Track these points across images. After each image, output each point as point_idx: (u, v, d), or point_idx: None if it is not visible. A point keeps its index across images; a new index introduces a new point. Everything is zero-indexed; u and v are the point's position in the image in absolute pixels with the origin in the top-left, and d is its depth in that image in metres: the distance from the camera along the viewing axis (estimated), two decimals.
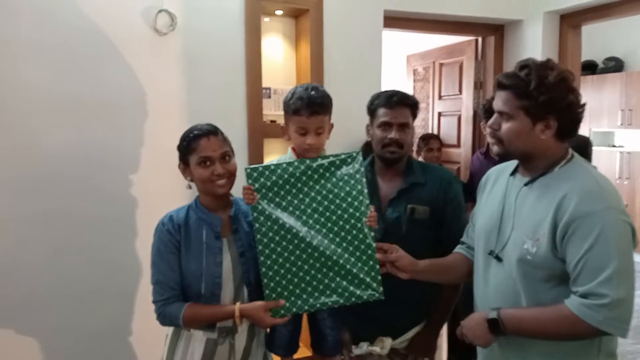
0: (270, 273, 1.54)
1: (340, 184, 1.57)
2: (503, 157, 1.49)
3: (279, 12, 2.77)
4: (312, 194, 1.56)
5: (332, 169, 1.57)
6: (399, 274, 1.57)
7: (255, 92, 2.61)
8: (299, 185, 1.55)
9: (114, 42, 2.36)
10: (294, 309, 1.56)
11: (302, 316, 1.74)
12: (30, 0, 2.21)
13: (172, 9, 2.42)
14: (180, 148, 1.61)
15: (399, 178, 1.85)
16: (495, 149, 1.48)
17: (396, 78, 4.99)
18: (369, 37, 2.93)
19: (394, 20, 3.17)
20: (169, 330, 1.65)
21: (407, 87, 4.63)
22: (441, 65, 4.11)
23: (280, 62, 2.85)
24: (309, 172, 1.56)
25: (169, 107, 2.49)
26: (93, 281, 2.40)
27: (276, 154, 2.81)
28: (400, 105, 1.81)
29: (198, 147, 1.57)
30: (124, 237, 2.44)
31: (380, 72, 2.99)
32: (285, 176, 1.54)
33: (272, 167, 1.54)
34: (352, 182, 1.57)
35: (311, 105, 1.58)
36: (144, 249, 2.42)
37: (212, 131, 1.61)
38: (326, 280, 1.56)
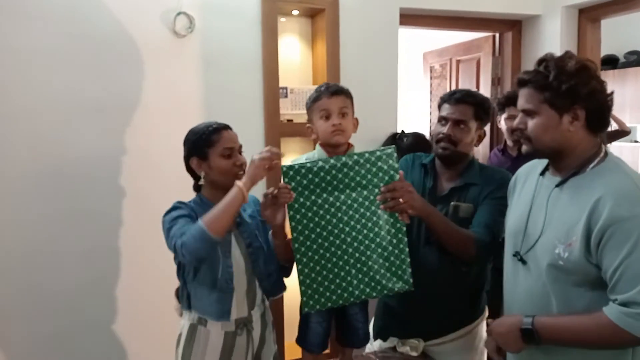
0: (306, 270, 1.58)
1: (375, 180, 1.58)
2: (533, 156, 1.45)
3: (295, 12, 2.79)
4: (347, 190, 1.58)
5: (368, 165, 1.58)
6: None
7: (272, 91, 2.64)
8: (335, 182, 1.57)
9: (135, 46, 2.40)
10: (329, 304, 1.60)
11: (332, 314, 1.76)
12: (52, 10, 2.27)
13: (190, 12, 2.46)
14: (197, 142, 1.63)
15: (458, 178, 1.81)
16: (524, 148, 1.43)
17: (413, 75, 4.98)
18: (385, 35, 2.93)
19: (410, 18, 3.17)
20: (183, 329, 1.67)
21: (424, 84, 4.61)
22: (458, 62, 4.09)
23: (297, 61, 2.87)
24: (345, 170, 1.57)
25: (188, 108, 2.53)
26: (122, 281, 2.45)
27: (293, 153, 2.83)
28: (460, 102, 1.77)
29: (221, 139, 1.62)
30: (151, 237, 2.47)
31: (397, 69, 2.99)
32: (322, 174, 1.56)
33: (309, 165, 1.55)
34: (387, 178, 1.59)
35: (330, 87, 1.67)
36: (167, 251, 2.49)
37: (228, 125, 1.68)
38: (360, 275, 1.59)
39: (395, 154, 1.59)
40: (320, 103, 1.65)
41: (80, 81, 2.34)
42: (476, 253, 1.66)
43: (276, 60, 2.63)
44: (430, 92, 4.53)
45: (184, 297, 1.67)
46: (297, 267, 1.58)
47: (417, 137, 2.83)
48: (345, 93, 1.68)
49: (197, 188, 1.71)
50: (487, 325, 1.48)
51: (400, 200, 1.57)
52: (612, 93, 1.34)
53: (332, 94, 1.64)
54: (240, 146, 1.66)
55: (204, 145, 1.61)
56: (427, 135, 4.52)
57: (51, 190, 2.32)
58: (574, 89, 1.29)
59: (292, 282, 1.74)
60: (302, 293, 1.59)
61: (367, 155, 1.58)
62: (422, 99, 4.67)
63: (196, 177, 1.69)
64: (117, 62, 2.39)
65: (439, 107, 1.85)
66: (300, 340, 1.77)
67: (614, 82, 5.99)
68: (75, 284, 2.38)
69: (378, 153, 1.58)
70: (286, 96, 2.69)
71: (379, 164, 1.58)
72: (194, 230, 1.45)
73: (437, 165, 1.87)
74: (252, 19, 2.60)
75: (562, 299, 1.32)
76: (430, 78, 4.49)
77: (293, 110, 2.71)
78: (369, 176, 1.58)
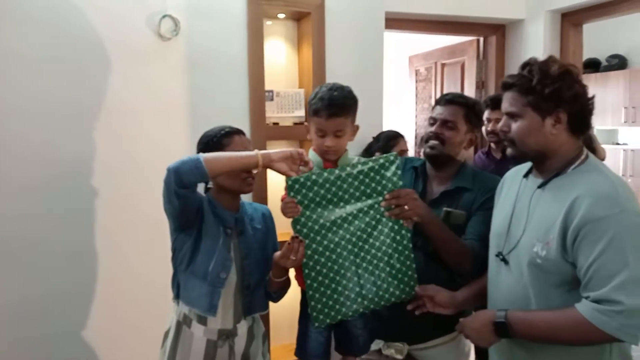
0: (315, 284, 1.55)
1: (379, 188, 1.57)
2: (516, 159, 1.46)
3: (281, 16, 2.80)
4: (353, 200, 1.55)
5: (372, 174, 1.56)
6: (438, 309, 1.53)
7: (258, 95, 2.63)
8: (340, 193, 1.54)
9: (120, 49, 2.38)
10: (339, 317, 1.58)
11: None
12: (35, 12, 2.24)
13: (175, 14, 2.45)
14: (208, 144, 1.62)
15: (448, 182, 1.80)
16: (508, 151, 1.45)
17: (399, 79, 5.01)
18: (370, 39, 2.94)
19: (395, 22, 3.19)
20: (171, 323, 1.66)
21: (409, 87, 4.65)
22: (443, 65, 4.13)
23: (283, 65, 2.87)
24: (350, 180, 1.54)
25: (173, 111, 2.51)
26: (105, 284, 2.42)
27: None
28: (451, 103, 1.78)
29: (232, 142, 1.61)
30: (136, 240, 2.47)
31: (382, 73, 3.00)
32: (327, 185, 1.52)
33: (314, 177, 1.51)
34: (390, 185, 1.58)
35: (330, 107, 1.56)
36: (155, 253, 2.46)
37: (241, 130, 1.67)
38: (368, 285, 1.59)
39: (397, 161, 1.59)
40: (318, 120, 1.59)
41: (64, 84, 2.31)
42: (471, 267, 1.66)
43: (262, 64, 2.63)
44: (416, 95, 4.57)
45: (174, 286, 1.66)
46: (306, 282, 1.55)
47: (387, 136, 2.77)
48: (345, 112, 1.59)
49: (206, 190, 1.70)
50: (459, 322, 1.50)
51: (405, 207, 1.57)
52: (593, 97, 1.37)
53: (329, 115, 1.56)
54: None
55: (215, 147, 1.60)
56: (413, 138, 4.58)
57: (35, 193, 2.28)
58: (557, 93, 1.31)
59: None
60: (312, 308, 1.56)
61: (370, 164, 1.56)
62: (408, 102, 4.70)
63: (206, 182, 1.68)
64: (101, 65, 2.37)
65: (432, 110, 1.86)
66: (299, 352, 1.71)
67: (596, 85, 6.09)
68: (59, 288, 2.35)
69: (381, 161, 1.57)
70: (272, 99, 2.69)
71: (382, 171, 1.56)
72: (191, 158, 1.43)
73: (427, 169, 1.86)
74: (237, 22, 2.59)
75: (541, 299, 1.34)
76: (416, 81, 4.53)
77: (279, 113, 2.72)
78: (373, 184, 1.56)
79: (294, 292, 1.76)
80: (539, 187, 1.40)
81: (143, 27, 2.42)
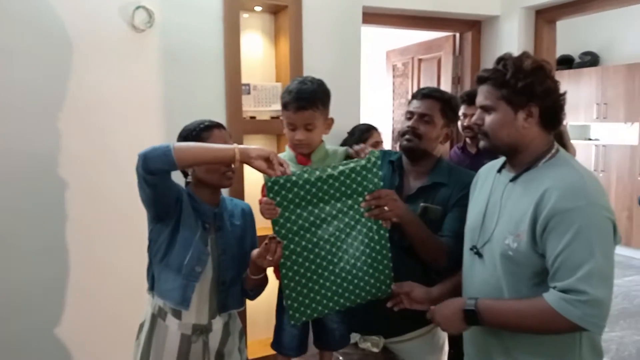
0: (292, 284, 1.55)
1: (360, 189, 1.56)
2: (489, 152, 1.49)
3: (258, 9, 2.77)
4: (332, 201, 1.54)
5: (353, 175, 1.54)
6: (414, 306, 1.54)
7: (235, 88, 2.61)
8: (320, 194, 1.52)
9: (92, 41, 2.33)
10: (315, 314, 1.59)
11: None
12: (4, 4, 2.17)
13: (150, 5, 2.41)
14: (186, 138, 1.60)
15: (425, 177, 1.81)
16: (481, 143, 1.48)
17: (376, 73, 5.03)
18: (348, 33, 2.94)
19: (372, 16, 3.20)
20: (146, 316, 1.64)
21: (386, 82, 4.67)
22: (420, 60, 4.15)
23: (260, 58, 2.85)
24: (330, 181, 1.52)
25: (148, 104, 2.48)
26: (78, 279, 2.38)
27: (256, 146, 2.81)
28: (427, 97, 1.79)
29: (212, 136, 1.59)
30: (109, 236, 2.43)
31: (360, 67, 3.01)
32: (307, 186, 1.50)
33: (294, 178, 1.48)
34: (371, 186, 1.57)
35: (298, 100, 1.56)
36: (130, 247, 2.43)
37: (221, 124, 1.65)
38: (345, 284, 1.59)
39: (379, 162, 1.58)
40: (287, 114, 1.59)
41: (34, 77, 2.25)
42: (446, 264, 1.68)
43: (238, 57, 2.61)
44: (393, 90, 4.59)
45: (149, 277, 1.64)
46: (283, 281, 1.55)
47: (361, 129, 2.77)
48: (314, 105, 1.58)
49: (186, 184, 1.69)
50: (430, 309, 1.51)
51: (385, 208, 1.57)
52: (564, 93, 1.40)
53: (297, 108, 1.55)
54: None
55: (194, 141, 1.57)
56: (390, 133, 4.60)
57: (3, 189, 2.23)
58: (529, 87, 1.34)
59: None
60: (289, 306, 1.56)
61: (352, 165, 1.54)
62: (385, 96, 4.72)
63: (185, 173, 1.66)
64: (73, 57, 2.31)
65: (408, 104, 1.87)
66: (275, 344, 1.71)
67: (569, 81, 6.20)
68: (28, 285, 2.30)
69: (363, 162, 1.56)
70: (249, 93, 2.67)
71: (364, 172, 1.55)
72: (162, 144, 1.41)
73: (404, 163, 1.87)
74: (214, 14, 2.56)
75: (513, 291, 1.37)
76: (393, 76, 4.55)
77: (256, 107, 2.70)
78: (354, 185, 1.55)
79: (271, 286, 1.75)
80: (511, 180, 1.43)
81: (116, 19, 2.37)
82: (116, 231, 2.44)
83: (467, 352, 1.60)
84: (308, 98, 1.57)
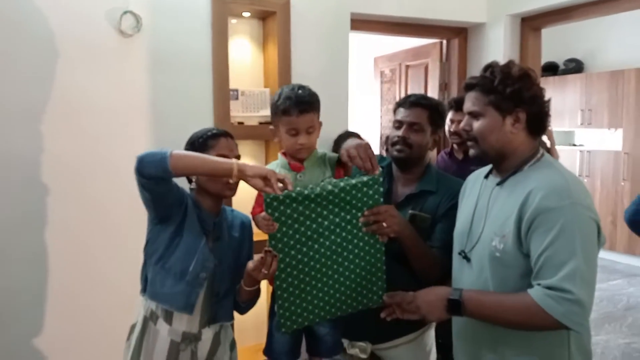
0: (285, 295, 1.55)
1: (359, 204, 1.55)
2: (478, 158, 1.51)
3: (246, 14, 2.77)
4: (331, 216, 1.53)
5: (354, 192, 1.54)
6: (406, 315, 1.53)
7: (223, 94, 2.61)
8: (319, 209, 1.51)
9: (78, 45, 2.31)
10: (306, 323, 1.59)
11: None
12: None
13: (137, 10, 2.39)
14: (193, 145, 1.60)
15: (414, 184, 1.81)
16: (471, 151, 1.50)
17: (364, 80, 5.05)
18: (336, 39, 2.95)
19: (360, 23, 3.21)
20: (138, 318, 1.62)
21: (374, 88, 4.69)
22: (407, 67, 4.18)
23: (248, 63, 2.85)
24: (330, 197, 1.51)
25: (135, 109, 2.46)
26: (63, 288, 2.35)
27: (245, 156, 2.80)
28: (415, 105, 1.79)
29: (218, 145, 1.59)
30: (98, 242, 2.40)
31: (347, 73, 3.01)
32: (306, 202, 1.49)
33: (294, 195, 1.47)
34: (371, 202, 1.56)
35: (300, 103, 1.57)
36: (118, 253, 2.41)
37: (229, 133, 1.66)
38: (337, 294, 1.59)
39: (381, 179, 1.58)
40: (288, 119, 1.58)
41: (20, 81, 2.23)
42: (438, 276, 1.69)
43: (226, 62, 2.61)
44: (381, 97, 4.61)
45: (143, 278, 1.63)
46: (276, 292, 1.55)
47: (341, 136, 2.77)
48: (314, 108, 1.60)
49: (189, 190, 1.68)
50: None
51: (384, 224, 1.57)
52: (549, 99, 1.44)
53: (300, 112, 1.56)
54: (237, 156, 1.61)
55: (200, 148, 1.58)
56: (378, 139, 4.62)
57: None
58: (517, 93, 1.38)
59: None
60: (280, 315, 1.56)
61: (353, 182, 1.54)
62: (373, 103, 4.74)
63: (189, 180, 1.66)
64: (59, 62, 2.29)
65: (394, 112, 1.87)
66: (267, 350, 1.70)
67: (554, 88, 6.28)
68: (13, 293, 2.26)
69: (365, 179, 1.55)
70: (237, 98, 2.67)
71: (365, 189, 1.55)
72: (157, 152, 1.41)
73: (393, 170, 1.87)
74: (202, 19, 2.56)
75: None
76: (381, 82, 4.57)
77: (244, 112, 2.69)
78: (354, 201, 1.55)
79: (261, 293, 1.75)
80: (498, 184, 1.46)
81: (103, 23, 2.36)
82: (103, 237, 2.42)
83: (455, 346, 1.62)
84: (309, 102, 1.59)
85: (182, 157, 1.42)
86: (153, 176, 1.42)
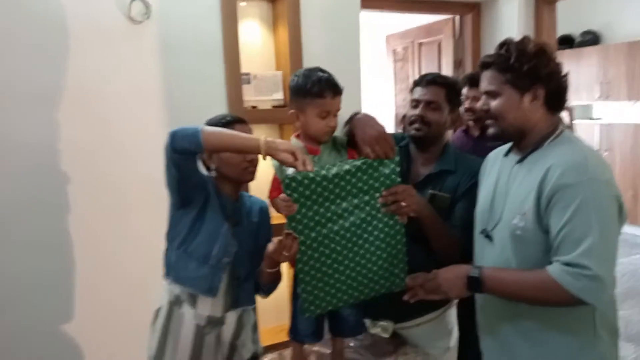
0: (307, 278, 1.55)
1: (377, 185, 1.56)
2: (497, 137, 1.49)
3: None
4: (350, 197, 1.54)
5: (370, 171, 1.54)
6: (430, 296, 1.52)
7: (235, 78, 2.60)
8: (337, 190, 1.52)
9: (88, 32, 2.32)
10: (330, 307, 1.60)
11: None
12: None
13: None
14: None
15: (432, 164, 1.81)
16: (490, 130, 1.48)
17: (376, 59, 5.00)
18: (346, 19, 2.91)
19: (371, 1, 3.17)
20: (162, 305, 1.64)
21: (387, 67, 4.64)
22: (420, 44, 4.12)
23: (259, 47, 2.83)
24: (347, 177, 1.52)
25: (147, 95, 2.47)
26: (80, 274, 2.39)
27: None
28: (432, 84, 1.78)
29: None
30: (110, 228, 2.43)
31: (359, 53, 2.98)
32: (324, 183, 1.50)
33: (312, 175, 1.47)
34: (388, 182, 1.56)
35: (334, 86, 1.59)
36: (134, 240, 2.44)
37: (244, 119, 1.66)
38: (359, 277, 1.60)
39: (398, 158, 1.57)
40: (322, 102, 1.58)
41: (33, 68, 2.24)
42: (459, 257, 1.67)
43: (237, 46, 2.59)
44: (394, 75, 4.57)
45: (165, 262, 1.65)
46: (299, 276, 1.56)
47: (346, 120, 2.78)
48: (341, 90, 1.63)
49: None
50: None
51: (402, 203, 1.56)
52: (567, 74, 1.41)
53: (334, 94, 1.58)
54: None
55: None
56: (393, 118, 4.59)
57: (4, 181, 2.22)
58: (534, 70, 1.36)
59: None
60: (303, 300, 1.58)
61: (369, 161, 1.54)
62: (386, 82, 4.70)
63: (207, 168, 1.67)
64: (69, 49, 2.29)
65: (411, 91, 1.86)
66: (292, 331, 1.73)
67: (570, 61, 6.15)
68: (30, 279, 2.30)
69: (382, 159, 1.55)
70: (249, 82, 2.66)
71: (381, 168, 1.55)
72: (190, 127, 1.44)
73: (411, 150, 1.87)
74: (210, 3, 2.54)
75: None
76: (394, 61, 4.52)
77: (257, 96, 2.68)
78: (371, 181, 1.55)
79: (282, 275, 1.76)
80: (517, 162, 1.45)
81: (113, 10, 2.35)
82: (118, 223, 2.44)
83: (478, 320, 1.62)
84: (337, 84, 1.61)
85: (213, 132, 1.44)
86: (185, 150, 1.44)
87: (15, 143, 2.24)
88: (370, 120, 1.67)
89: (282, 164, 1.46)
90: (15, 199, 2.25)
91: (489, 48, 3.52)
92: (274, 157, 1.44)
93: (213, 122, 1.63)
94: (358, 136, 1.62)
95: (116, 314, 2.45)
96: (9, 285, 2.28)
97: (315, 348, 1.84)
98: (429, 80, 1.80)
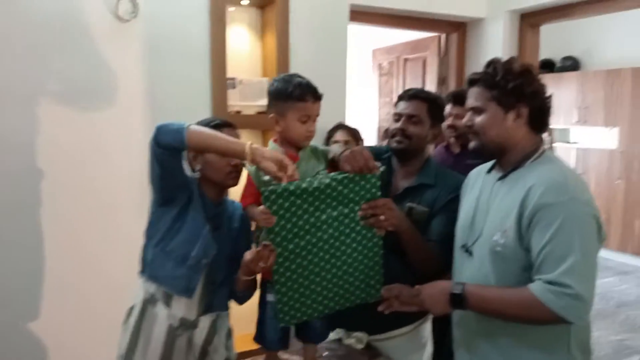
0: (284, 288, 1.54)
1: (357, 198, 1.55)
2: (476, 152, 1.51)
3: (244, 2, 2.75)
4: (329, 210, 1.53)
5: (351, 185, 1.53)
6: (404, 307, 1.53)
7: (220, 82, 2.59)
8: (317, 203, 1.51)
9: (74, 29, 2.29)
10: (305, 317, 1.59)
11: None
12: None
13: None
14: None
15: (413, 177, 1.82)
16: (471, 144, 1.50)
17: (362, 72, 5.03)
18: (334, 30, 2.94)
19: (359, 14, 3.20)
20: (136, 302, 1.62)
21: (372, 81, 4.68)
22: (405, 60, 4.17)
23: (246, 52, 2.84)
24: (328, 190, 1.51)
25: (131, 95, 2.44)
26: (58, 274, 2.34)
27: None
28: (414, 98, 1.81)
29: None
30: (88, 227, 2.39)
31: (345, 65, 3.00)
32: (304, 196, 1.48)
33: (292, 188, 1.46)
34: (368, 195, 1.56)
35: (315, 91, 1.59)
36: (113, 240, 2.40)
37: (231, 123, 1.65)
38: (335, 289, 1.59)
39: (379, 172, 1.57)
40: (303, 105, 1.58)
41: (16, 65, 2.20)
42: (434, 270, 1.69)
43: (224, 50, 2.59)
44: (379, 89, 4.60)
45: (142, 259, 1.62)
46: (275, 286, 1.55)
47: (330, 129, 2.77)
48: (321, 97, 1.63)
49: None
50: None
51: (382, 217, 1.56)
52: (551, 96, 1.44)
53: (315, 99, 1.59)
54: None
55: None
56: (376, 131, 4.62)
57: None
58: (519, 88, 1.39)
59: None
60: (279, 309, 1.56)
61: (351, 175, 1.53)
62: (370, 95, 4.73)
63: (192, 169, 1.64)
64: (54, 46, 2.26)
65: (395, 105, 1.88)
66: (258, 338, 1.71)
67: (550, 85, 6.15)
68: (6, 279, 2.25)
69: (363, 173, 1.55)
70: (234, 87, 2.65)
71: (363, 182, 1.55)
72: (175, 124, 1.42)
73: (393, 162, 1.88)
74: (199, 6, 2.54)
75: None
76: (379, 75, 4.56)
77: (242, 101, 2.68)
78: (351, 194, 1.54)
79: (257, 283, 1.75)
80: (499, 179, 1.47)
81: (100, 7, 2.33)
82: (98, 223, 2.40)
83: (454, 336, 1.63)
84: (317, 89, 1.61)
85: (198, 131, 1.43)
86: (169, 146, 1.42)
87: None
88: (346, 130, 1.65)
89: (265, 172, 1.44)
90: None
91: (474, 67, 3.58)
92: (258, 164, 1.43)
93: (202, 125, 1.62)
94: (338, 158, 1.62)
95: (95, 312, 2.40)
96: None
97: (285, 356, 1.82)
98: (411, 95, 1.82)
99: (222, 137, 1.46)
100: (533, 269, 1.33)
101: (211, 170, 1.59)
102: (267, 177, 1.46)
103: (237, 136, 1.63)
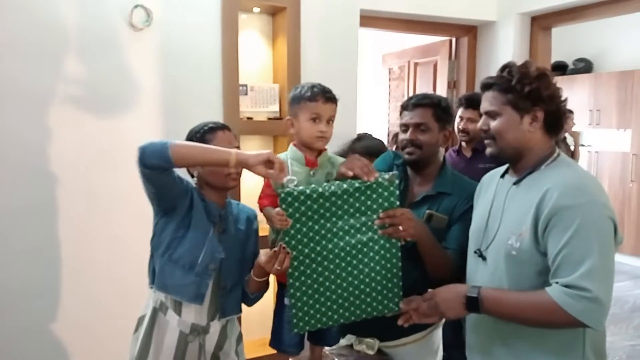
0: (298, 294, 1.53)
1: (374, 206, 1.54)
2: (495, 157, 1.51)
3: (256, 10, 2.78)
4: (345, 216, 1.52)
5: (368, 192, 1.52)
6: (423, 320, 1.52)
7: (232, 88, 2.61)
8: (333, 209, 1.50)
9: (89, 38, 2.33)
10: (319, 325, 1.57)
11: None
12: None
13: (148, 4, 2.41)
14: (192, 140, 1.61)
15: (429, 183, 1.82)
16: (488, 150, 1.50)
17: (372, 76, 5.05)
18: (345, 36, 2.95)
19: (370, 20, 3.21)
20: (146, 312, 1.63)
21: (383, 85, 4.68)
22: (416, 64, 4.17)
23: (258, 59, 2.86)
24: (345, 196, 1.50)
25: (144, 102, 2.48)
26: (69, 279, 2.37)
27: (253, 151, 2.82)
28: (417, 106, 1.79)
29: (216, 138, 1.60)
30: (101, 233, 2.42)
31: (356, 70, 3.02)
32: (321, 200, 1.48)
33: (308, 191, 1.47)
34: (386, 204, 1.55)
35: (326, 92, 1.60)
36: (124, 245, 2.43)
37: (226, 126, 1.66)
38: (351, 298, 1.57)
39: (396, 181, 1.56)
40: (313, 105, 1.59)
41: (31, 73, 2.25)
42: (451, 277, 1.67)
43: (236, 57, 2.61)
44: (389, 94, 4.61)
45: (150, 270, 1.63)
46: (289, 291, 1.53)
47: (370, 146, 2.63)
48: (336, 100, 1.64)
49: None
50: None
51: (400, 227, 1.55)
52: (566, 99, 1.44)
53: (327, 99, 1.59)
54: (237, 148, 1.60)
55: (199, 142, 1.58)
56: (386, 136, 4.62)
57: None
58: (535, 92, 1.39)
59: None
60: (293, 315, 1.55)
61: (368, 182, 1.52)
62: (381, 99, 4.74)
63: (191, 174, 1.67)
64: (70, 54, 2.31)
65: (400, 115, 1.87)
66: (275, 343, 1.70)
67: (562, 87, 6.20)
68: (18, 284, 2.29)
69: (380, 179, 1.54)
70: (246, 94, 2.68)
71: (380, 190, 1.54)
72: (159, 142, 1.41)
73: (408, 169, 1.88)
74: (212, 14, 2.57)
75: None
76: (389, 79, 4.57)
77: (253, 108, 2.70)
78: (369, 202, 1.53)
79: (269, 284, 1.76)
80: (514, 183, 1.46)
81: (114, 16, 2.37)
82: (110, 228, 2.44)
83: (468, 341, 1.61)
84: (331, 91, 1.63)
85: (182, 146, 1.43)
86: (155, 166, 1.43)
87: (10, 147, 2.24)
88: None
89: (258, 175, 1.45)
90: (6, 203, 2.25)
91: (485, 71, 3.58)
92: (247, 169, 1.45)
93: (196, 130, 1.63)
94: (340, 166, 1.62)
95: (105, 319, 2.43)
96: (7, 290, 2.27)
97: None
98: (414, 104, 1.81)
99: (207, 148, 1.47)
100: (549, 272, 1.31)
101: (209, 175, 1.60)
102: (285, 179, 1.46)
103: (232, 138, 1.64)
